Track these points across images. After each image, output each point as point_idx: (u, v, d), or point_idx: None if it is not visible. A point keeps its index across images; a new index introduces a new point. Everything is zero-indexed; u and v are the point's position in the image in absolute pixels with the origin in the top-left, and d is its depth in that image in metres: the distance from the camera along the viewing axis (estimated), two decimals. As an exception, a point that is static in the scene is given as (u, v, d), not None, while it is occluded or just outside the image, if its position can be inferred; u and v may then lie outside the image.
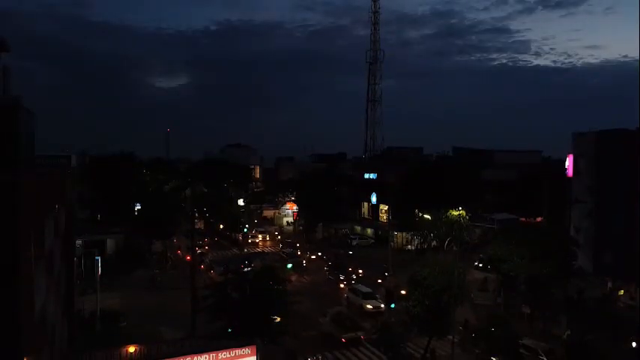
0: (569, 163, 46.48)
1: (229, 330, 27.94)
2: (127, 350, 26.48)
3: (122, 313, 35.61)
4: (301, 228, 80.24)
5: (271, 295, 26.65)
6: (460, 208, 54.57)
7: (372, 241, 70.72)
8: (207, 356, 10.60)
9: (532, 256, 33.00)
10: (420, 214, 60.99)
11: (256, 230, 78.11)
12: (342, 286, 46.51)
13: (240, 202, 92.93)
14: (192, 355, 10.48)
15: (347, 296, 41.26)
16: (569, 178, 46.92)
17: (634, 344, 28.46)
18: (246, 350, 10.85)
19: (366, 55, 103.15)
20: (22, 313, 11.74)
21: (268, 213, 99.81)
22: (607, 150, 43.31)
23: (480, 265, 51.18)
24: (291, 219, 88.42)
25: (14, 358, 11.29)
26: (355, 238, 70.39)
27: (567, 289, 36.44)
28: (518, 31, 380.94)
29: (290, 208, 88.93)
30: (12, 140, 11.28)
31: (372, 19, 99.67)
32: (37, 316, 14.02)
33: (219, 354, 10.56)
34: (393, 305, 31.99)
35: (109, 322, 34.32)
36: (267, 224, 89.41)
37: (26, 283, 12.13)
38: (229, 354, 10.65)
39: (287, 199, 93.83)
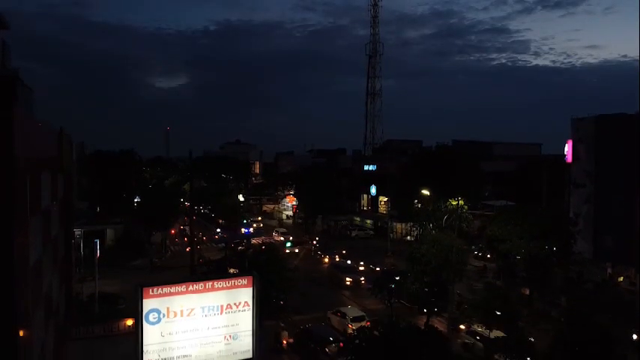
0: (568, 148, 46.38)
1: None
2: (124, 323, 26.57)
3: (121, 295, 35.56)
4: (300, 221, 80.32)
5: (271, 271, 26.64)
6: (459, 198, 54.51)
7: (372, 232, 70.76)
8: (202, 284, 10.58)
9: (531, 236, 32.94)
10: (419, 204, 61.00)
11: (277, 232, 67.91)
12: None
13: (240, 197, 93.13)
14: (189, 284, 10.46)
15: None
16: (569, 165, 46.82)
17: (634, 337, 28.21)
18: (243, 281, 10.80)
19: (366, 48, 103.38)
20: (16, 256, 11.64)
21: (268, 207, 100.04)
22: (606, 134, 43.24)
23: (480, 254, 51.23)
24: (290, 212, 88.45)
25: (8, 304, 11.22)
26: (355, 230, 70.49)
27: (567, 270, 36.39)
28: (517, 31, 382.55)
29: (290, 202, 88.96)
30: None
31: (372, 11, 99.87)
32: (33, 268, 13.94)
33: (215, 283, 10.54)
34: (392, 285, 31.92)
35: (107, 304, 34.30)
36: (267, 218, 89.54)
37: (20, 230, 12.05)
38: (225, 283, 10.62)
39: (286, 192, 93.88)
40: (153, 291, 9.95)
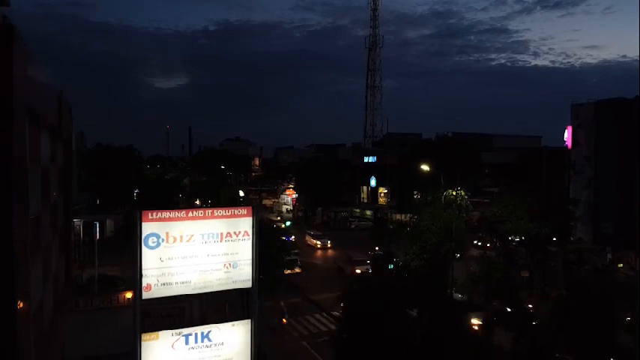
0: (567, 134, 46.43)
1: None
2: (124, 296, 26.49)
3: (120, 277, 35.52)
4: (300, 214, 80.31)
5: (271, 246, 26.60)
6: (459, 189, 54.49)
7: (371, 223, 70.72)
8: (202, 212, 10.62)
9: (531, 217, 32.92)
10: (419, 195, 61.06)
11: (309, 234, 58.78)
12: None
13: (241, 193, 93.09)
14: (189, 210, 10.50)
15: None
16: (569, 151, 46.89)
17: (628, 319, 28.18)
18: (243, 210, 10.87)
19: (366, 41, 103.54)
20: (15, 202, 11.61)
21: (268, 202, 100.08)
22: (606, 120, 43.27)
23: (479, 243, 51.24)
24: (290, 206, 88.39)
25: (6, 244, 11.21)
26: (354, 221, 70.56)
27: (566, 252, 36.38)
28: (516, 31, 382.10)
29: (289, 195, 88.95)
30: (9, 46, 11.00)
31: (372, 4, 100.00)
32: (31, 218, 13.92)
33: (215, 211, 10.58)
34: (391, 266, 31.94)
35: (107, 285, 34.29)
36: (267, 212, 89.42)
37: (19, 177, 11.99)
38: (225, 212, 10.67)
39: (286, 185, 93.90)
40: (152, 215, 9.96)
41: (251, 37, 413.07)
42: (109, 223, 60.15)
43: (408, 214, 64.03)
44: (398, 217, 66.90)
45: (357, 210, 76.15)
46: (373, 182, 75.51)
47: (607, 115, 43.38)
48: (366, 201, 79.70)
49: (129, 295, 25.18)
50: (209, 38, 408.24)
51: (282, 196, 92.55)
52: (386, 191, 70.77)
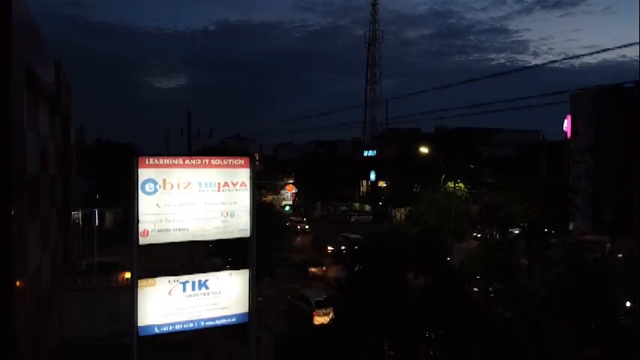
0: (567, 124, 46.41)
1: (227, 266, 27.98)
2: (122, 276, 26.55)
3: (119, 263, 35.52)
4: (300, 208, 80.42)
5: (268, 228, 26.57)
6: (459, 182, 54.49)
7: (371, 218, 70.79)
8: (199, 160, 10.61)
9: (530, 202, 32.93)
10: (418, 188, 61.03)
11: (345, 237, 50.72)
12: None
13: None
14: (185, 157, 10.51)
15: None
16: (568, 141, 46.90)
17: (628, 303, 28.16)
18: (240, 161, 10.87)
19: (365, 36, 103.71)
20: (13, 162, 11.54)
21: (268, 198, 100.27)
22: (605, 108, 43.29)
23: (479, 235, 51.25)
24: (290, 202, 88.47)
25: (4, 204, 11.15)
26: (354, 215, 70.60)
27: (565, 241, 36.36)
28: (516, 31, 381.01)
29: (289, 190, 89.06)
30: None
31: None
32: (29, 182, 13.89)
33: (212, 160, 10.58)
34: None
35: (105, 271, 34.31)
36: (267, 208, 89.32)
37: (17, 143, 11.94)
38: (223, 161, 10.68)
39: (286, 180, 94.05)
40: (148, 161, 9.96)
41: (251, 37, 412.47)
42: (109, 215, 60.34)
43: (408, 208, 64.27)
44: (397, 211, 67.01)
45: (357, 204, 76.25)
46: (373, 176, 75.59)
47: (606, 103, 43.40)
48: (366, 194, 79.79)
49: (127, 275, 25.23)
50: (209, 38, 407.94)
51: (282, 191, 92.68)
52: (385, 185, 70.81)
